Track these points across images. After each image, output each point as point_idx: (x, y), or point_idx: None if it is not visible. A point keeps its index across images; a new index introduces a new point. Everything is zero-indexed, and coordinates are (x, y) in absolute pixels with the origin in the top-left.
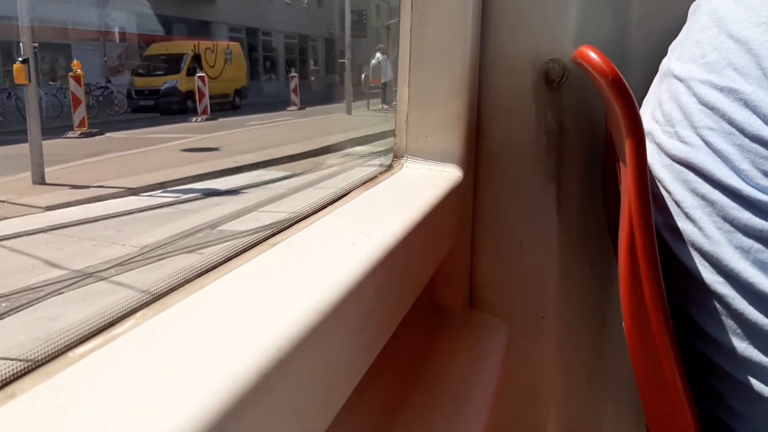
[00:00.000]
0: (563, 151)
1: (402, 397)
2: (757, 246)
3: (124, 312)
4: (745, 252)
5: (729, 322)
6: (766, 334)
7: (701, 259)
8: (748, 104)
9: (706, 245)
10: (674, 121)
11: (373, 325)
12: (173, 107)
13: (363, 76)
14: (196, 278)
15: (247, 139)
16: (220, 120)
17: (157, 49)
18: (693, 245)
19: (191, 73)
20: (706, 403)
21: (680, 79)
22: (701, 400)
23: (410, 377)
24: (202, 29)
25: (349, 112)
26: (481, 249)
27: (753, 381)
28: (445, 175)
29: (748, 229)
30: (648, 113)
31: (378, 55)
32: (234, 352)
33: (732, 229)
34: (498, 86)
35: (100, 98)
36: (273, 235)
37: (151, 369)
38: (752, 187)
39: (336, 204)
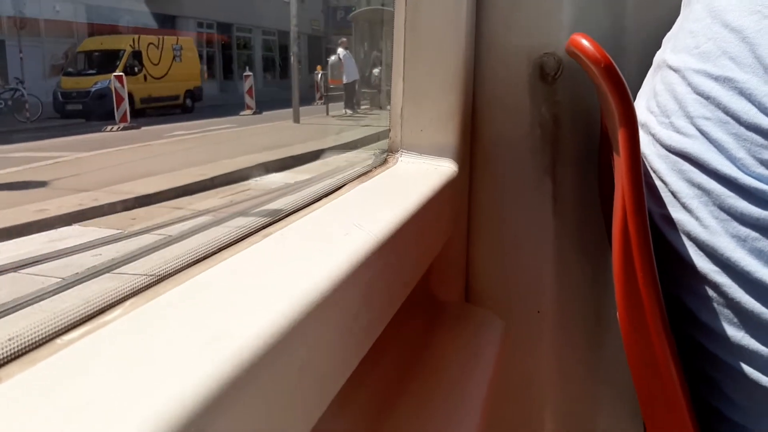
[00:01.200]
0: (558, 145)
1: (396, 389)
2: (754, 234)
3: (113, 300)
4: (741, 241)
5: (725, 311)
6: (761, 322)
7: (697, 248)
8: (743, 93)
9: (703, 235)
10: (669, 111)
11: (366, 317)
12: (105, 112)
13: (319, 76)
14: (187, 267)
15: (126, 162)
16: (143, 129)
17: (90, 44)
18: (689, 235)
19: (129, 71)
20: (701, 390)
21: (675, 70)
22: (696, 387)
23: (405, 370)
24: (164, 24)
25: (296, 120)
26: (476, 243)
27: (748, 369)
28: (440, 170)
29: (745, 218)
30: (643, 105)
31: (340, 50)
32: (223, 341)
33: (728, 218)
34: (493, 80)
35: (9, 102)
36: (266, 226)
37: (139, 357)
38: (748, 175)
39: (330, 197)
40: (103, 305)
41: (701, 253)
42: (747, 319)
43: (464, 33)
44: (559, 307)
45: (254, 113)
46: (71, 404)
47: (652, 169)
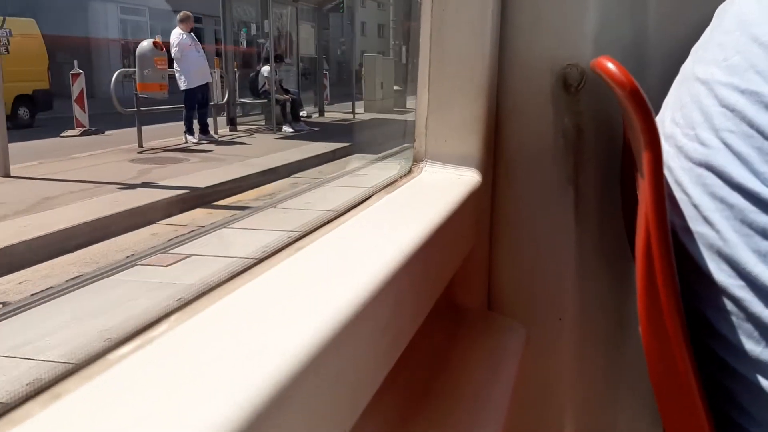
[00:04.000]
0: (581, 155)
1: (420, 397)
2: None
3: (159, 315)
4: (762, 255)
5: (745, 325)
6: None
7: (718, 262)
8: None
9: (724, 248)
10: (695, 123)
11: (395, 327)
12: None
13: (114, 77)
14: (226, 282)
15: None
16: None
17: None
18: (710, 248)
19: None
20: (721, 404)
21: (702, 82)
22: (716, 401)
23: (429, 378)
24: (73, 11)
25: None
26: (499, 251)
27: (765, 383)
28: (464, 179)
29: (767, 233)
30: (668, 116)
31: (175, 32)
32: (262, 355)
33: (750, 232)
34: (516, 91)
35: None
36: (298, 239)
37: (186, 371)
38: None
39: (358, 208)
40: (149, 321)
41: (723, 267)
42: (766, 334)
43: (488, 44)
44: (580, 315)
45: (84, 134)
46: (128, 419)
47: (676, 182)
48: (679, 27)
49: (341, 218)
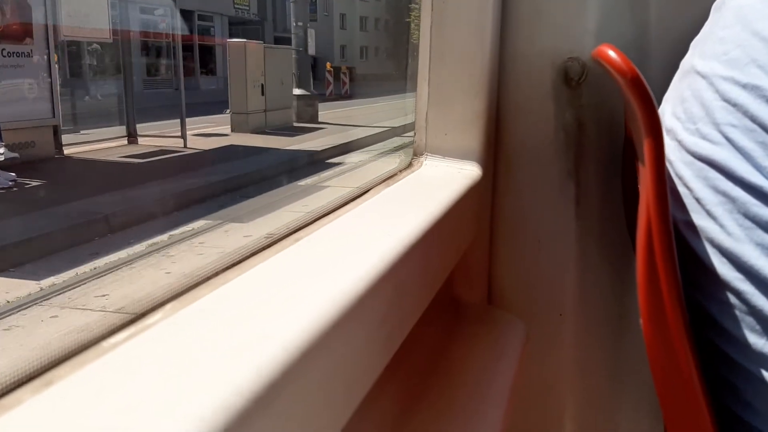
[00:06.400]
0: (582, 149)
1: (419, 392)
2: None
3: (154, 303)
4: (765, 249)
5: (747, 318)
6: None
7: (721, 255)
8: None
9: (727, 242)
10: (696, 118)
11: (393, 321)
12: None
13: None
14: (223, 271)
15: None
16: None
17: None
18: (713, 242)
19: None
20: (723, 397)
21: (703, 76)
22: (718, 394)
23: (428, 372)
24: None
25: None
26: (499, 246)
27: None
28: (464, 173)
29: None
30: (669, 110)
31: None
32: (258, 344)
33: (753, 225)
34: (517, 85)
35: None
36: (296, 230)
37: (180, 359)
38: None
39: (357, 201)
40: (144, 309)
41: (725, 261)
42: None
43: (489, 38)
44: (581, 311)
45: None
46: (121, 405)
47: (677, 175)
48: (680, 20)
49: (339, 210)
